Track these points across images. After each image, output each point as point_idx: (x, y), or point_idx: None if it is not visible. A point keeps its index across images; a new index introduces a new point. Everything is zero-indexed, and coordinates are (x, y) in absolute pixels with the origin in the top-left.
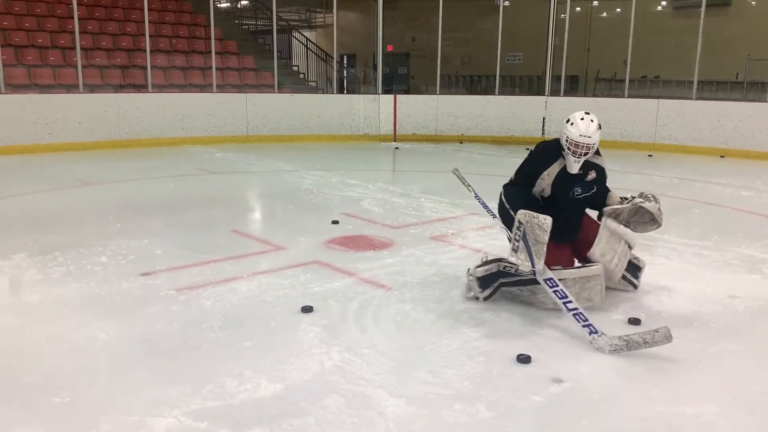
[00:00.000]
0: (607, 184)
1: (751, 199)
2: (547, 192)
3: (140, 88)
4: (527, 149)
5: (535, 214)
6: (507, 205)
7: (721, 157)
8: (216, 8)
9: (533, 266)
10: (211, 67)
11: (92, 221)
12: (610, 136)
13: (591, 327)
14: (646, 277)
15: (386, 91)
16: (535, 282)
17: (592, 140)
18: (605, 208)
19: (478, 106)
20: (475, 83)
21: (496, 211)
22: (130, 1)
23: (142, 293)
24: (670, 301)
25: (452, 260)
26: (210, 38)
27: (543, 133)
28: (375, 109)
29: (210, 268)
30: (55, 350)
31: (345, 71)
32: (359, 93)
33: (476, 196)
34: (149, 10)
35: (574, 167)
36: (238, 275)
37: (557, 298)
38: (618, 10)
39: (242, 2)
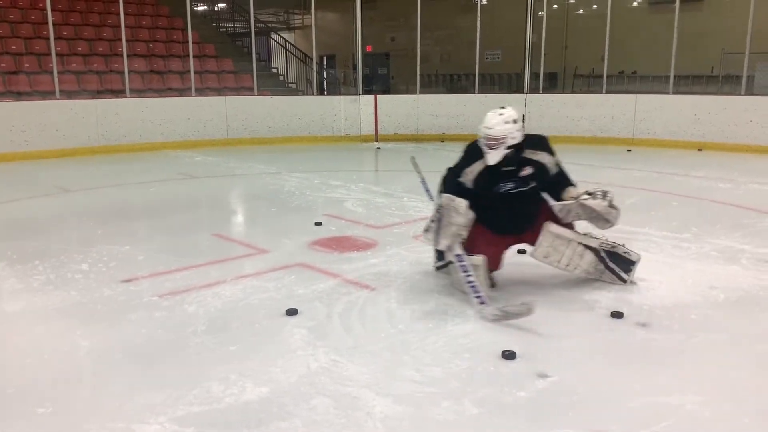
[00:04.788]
0: (572, 178)
1: (728, 191)
2: (471, 187)
3: (118, 93)
4: None
5: (453, 197)
6: (441, 187)
7: (699, 150)
8: (193, 11)
9: (436, 245)
10: (189, 71)
11: (72, 228)
12: (589, 132)
13: (482, 297)
14: None
15: (367, 92)
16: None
17: (493, 132)
18: (554, 204)
19: (458, 104)
20: (455, 82)
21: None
22: (106, 6)
23: (124, 300)
24: (651, 293)
25: None
26: (188, 42)
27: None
28: (356, 109)
29: (193, 272)
30: (37, 360)
31: (325, 72)
32: (339, 94)
33: (423, 180)
34: (125, 14)
35: (490, 159)
36: (222, 279)
37: (461, 272)
38: (594, 6)
39: (219, 5)
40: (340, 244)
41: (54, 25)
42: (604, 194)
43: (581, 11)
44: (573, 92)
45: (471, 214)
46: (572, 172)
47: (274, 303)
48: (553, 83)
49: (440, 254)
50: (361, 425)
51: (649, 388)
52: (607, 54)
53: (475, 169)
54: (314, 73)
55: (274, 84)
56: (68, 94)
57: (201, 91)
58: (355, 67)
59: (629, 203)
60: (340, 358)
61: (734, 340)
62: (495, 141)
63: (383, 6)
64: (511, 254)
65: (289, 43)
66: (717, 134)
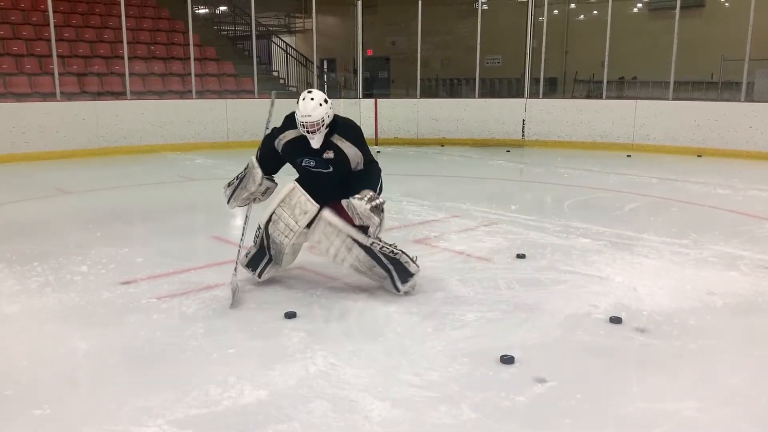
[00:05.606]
0: (374, 183)
1: (727, 197)
2: (280, 151)
3: (118, 95)
4: (507, 151)
5: (256, 164)
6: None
7: (698, 156)
8: (194, 14)
9: (227, 202)
10: (190, 74)
11: (71, 230)
12: (589, 137)
13: (236, 270)
14: (626, 275)
15: (367, 96)
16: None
17: (312, 117)
18: (343, 200)
19: (458, 109)
20: (455, 86)
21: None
22: (108, 8)
23: (123, 302)
24: (650, 298)
25: (435, 263)
26: (189, 44)
27: (523, 135)
28: (356, 113)
29: (191, 275)
30: (35, 361)
31: (325, 76)
32: (340, 97)
33: (268, 121)
34: (126, 16)
35: (314, 144)
36: (220, 282)
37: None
38: (595, 12)
39: (221, 8)
40: None
41: (55, 26)
42: (371, 199)
43: (582, 17)
44: (573, 97)
45: (268, 184)
46: (571, 176)
47: (273, 306)
48: (553, 88)
49: (254, 261)
50: (359, 429)
51: (646, 394)
52: (607, 59)
53: (288, 135)
54: (315, 77)
55: (274, 87)
56: (69, 96)
57: (201, 94)
58: (355, 71)
59: (629, 209)
60: (339, 361)
61: (732, 345)
62: (316, 126)
63: (384, 10)
64: (509, 257)
65: (290, 46)
66: (716, 140)
